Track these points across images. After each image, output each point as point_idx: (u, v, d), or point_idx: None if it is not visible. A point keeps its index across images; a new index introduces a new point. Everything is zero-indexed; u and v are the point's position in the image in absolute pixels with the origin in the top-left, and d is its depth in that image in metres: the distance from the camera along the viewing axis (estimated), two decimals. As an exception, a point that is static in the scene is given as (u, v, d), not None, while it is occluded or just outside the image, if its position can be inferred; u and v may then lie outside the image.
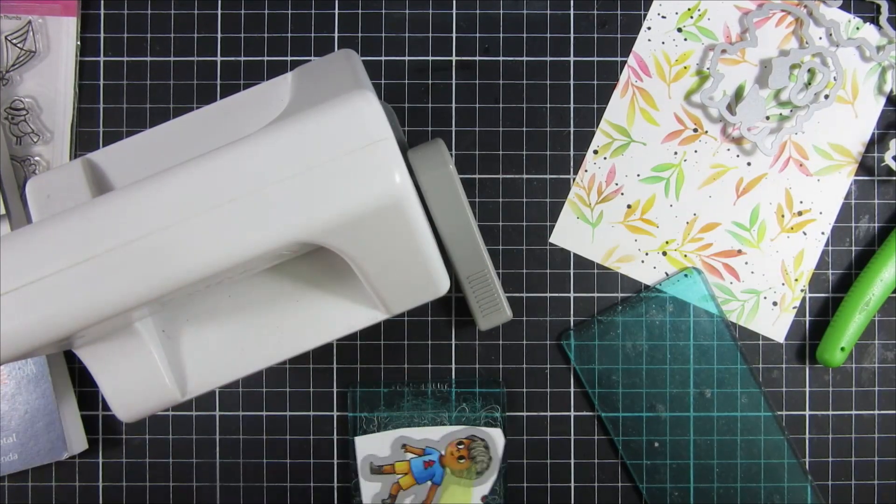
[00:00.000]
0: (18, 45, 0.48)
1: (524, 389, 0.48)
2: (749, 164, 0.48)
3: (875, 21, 0.48)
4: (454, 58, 0.49)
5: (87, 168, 0.38)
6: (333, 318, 0.39)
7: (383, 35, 0.49)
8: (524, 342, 0.48)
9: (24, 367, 0.46)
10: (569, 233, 0.49)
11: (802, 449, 0.48)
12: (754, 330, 0.48)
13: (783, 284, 0.48)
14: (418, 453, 0.47)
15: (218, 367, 0.38)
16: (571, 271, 0.49)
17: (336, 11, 0.49)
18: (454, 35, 0.49)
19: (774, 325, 0.48)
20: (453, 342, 0.48)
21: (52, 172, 0.38)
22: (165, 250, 0.30)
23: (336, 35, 0.49)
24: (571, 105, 0.49)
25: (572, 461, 0.48)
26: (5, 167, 0.47)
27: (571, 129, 0.49)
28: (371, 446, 0.47)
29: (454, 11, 0.49)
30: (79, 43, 0.49)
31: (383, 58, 0.49)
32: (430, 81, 0.49)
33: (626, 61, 0.49)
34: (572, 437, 0.48)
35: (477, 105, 0.49)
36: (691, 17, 0.49)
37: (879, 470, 0.48)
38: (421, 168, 0.42)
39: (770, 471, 0.48)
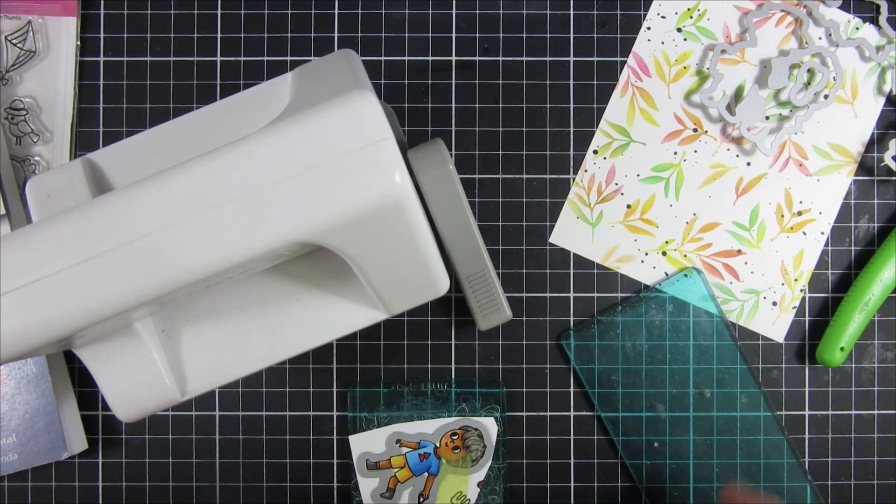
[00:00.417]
0: (18, 45, 0.48)
1: (524, 389, 0.48)
2: (749, 164, 0.48)
3: (875, 21, 0.48)
4: (454, 58, 0.49)
5: (87, 168, 0.38)
6: (333, 318, 0.39)
7: (383, 35, 0.49)
8: (524, 342, 0.48)
9: (24, 367, 0.46)
10: (569, 233, 0.49)
11: (802, 449, 0.48)
12: (754, 330, 0.48)
13: (783, 284, 0.48)
14: (413, 447, 0.47)
15: (218, 367, 0.38)
16: (571, 271, 0.49)
17: (336, 11, 0.49)
18: (454, 35, 0.49)
19: (774, 325, 0.48)
20: (453, 342, 0.49)
21: (52, 172, 0.37)
22: (165, 250, 0.30)
23: (336, 35, 0.49)
24: (571, 105, 0.49)
25: (572, 461, 0.48)
26: (5, 167, 0.47)
27: (571, 129, 0.49)
28: (366, 443, 0.47)
29: (454, 11, 0.49)
30: (79, 43, 0.49)
31: (383, 58, 0.49)
32: (430, 81, 0.49)
33: (625, 61, 0.49)
34: (572, 437, 0.48)
35: (477, 105, 0.49)
36: (691, 17, 0.49)
37: (879, 470, 0.48)
38: (421, 168, 0.42)
39: (770, 471, 0.48)
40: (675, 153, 0.49)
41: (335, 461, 0.48)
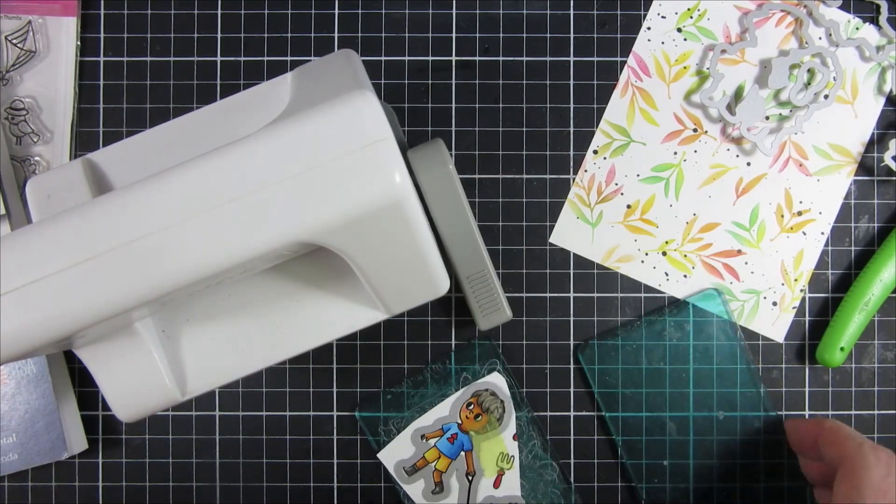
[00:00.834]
0: (18, 45, 0.48)
1: (524, 389, 0.48)
2: (749, 164, 0.48)
3: (875, 21, 0.48)
4: (454, 58, 0.49)
5: (87, 168, 0.38)
6: (333, 318, 0.39)
7: (383, 35, 0.49)
8: (524, 342, 0.48)
9: (24, 367, 0.46)
10: (569, 233, 0.49)
11: (802, 449, 0.48)
12: (754, 330, 0.48)
13: (783, 284, 0.48)
14: (438, 434, 0.47)
15: (218, 367, 0.38)
16: (571, 271, 0.49)
17: (336, 11, 0.49)
18: (454, 35, 0.49)
19: (774, 325, 0.48)
20: (453, 342, 0.49)
21: (52, 172, 0.37)
22: (166, 250, 0.30)
23: (336, 35, 0.49)
24: (571, 105, 0.49)
25: (572, 461, 0.48)
26: (5, 167, 0.47)
27: (571, 129, 0.49)
28: (394, 453, 0.47)
29: (454, 11, 0.49)
30: (79, 43, 0.49)
31: (383, 58, 0.49)
32: (430, 81, 0.49)
33: (625, 61, 0.49)
34: (572, 437, 0.48)
35: (477, 105, 0.49)
36: (691, 17, 0.49)
37: (879, 470, 0.48)
38: (421, 168, 0.42)
39: (770, 470, 0.48)
40: (675, 153, 0.48)
41: (335, 461, 0.48)
